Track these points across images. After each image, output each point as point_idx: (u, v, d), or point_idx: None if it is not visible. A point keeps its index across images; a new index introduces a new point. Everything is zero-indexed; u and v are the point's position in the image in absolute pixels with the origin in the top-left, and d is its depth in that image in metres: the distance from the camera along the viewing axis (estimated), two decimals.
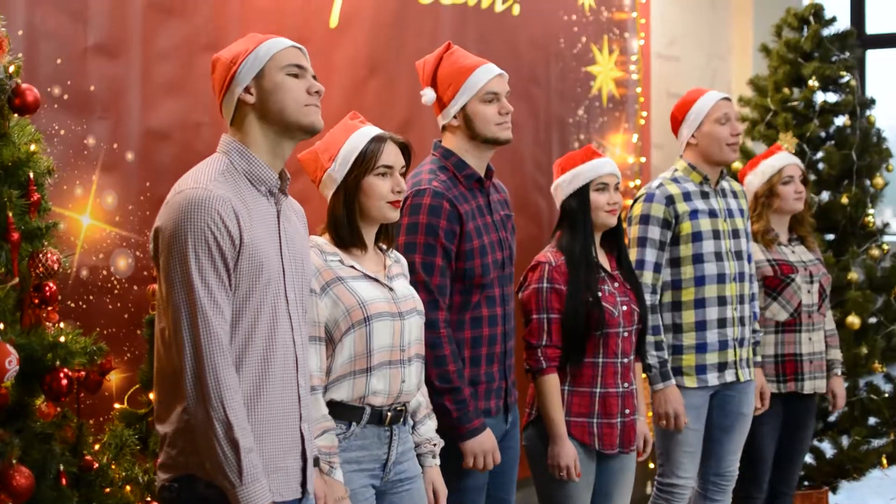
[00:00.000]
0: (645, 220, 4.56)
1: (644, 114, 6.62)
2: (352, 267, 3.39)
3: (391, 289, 3.43)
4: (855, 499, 6.62)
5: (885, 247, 6.08)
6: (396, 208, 3.42)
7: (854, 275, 5.89)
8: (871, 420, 6.07)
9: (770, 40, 6.41)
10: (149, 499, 3.38)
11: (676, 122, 4.74)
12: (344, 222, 3.39)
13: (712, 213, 4.63)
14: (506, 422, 3.96)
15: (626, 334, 4.19)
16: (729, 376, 4.66)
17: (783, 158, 5.06)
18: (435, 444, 3.60)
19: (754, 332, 4.81)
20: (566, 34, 6.22)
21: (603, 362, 4.15)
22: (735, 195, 4.78)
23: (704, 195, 4.65)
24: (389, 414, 3.39)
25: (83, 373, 3.26)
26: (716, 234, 4.61)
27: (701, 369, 4.61)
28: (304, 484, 2.92)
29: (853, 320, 5.79)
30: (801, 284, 4.97)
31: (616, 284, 4.22)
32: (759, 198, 5.02)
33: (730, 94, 6.83)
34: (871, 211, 6.02)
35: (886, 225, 6.21)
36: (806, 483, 6.06)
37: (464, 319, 3.83)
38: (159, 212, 2.87)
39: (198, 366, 2.68)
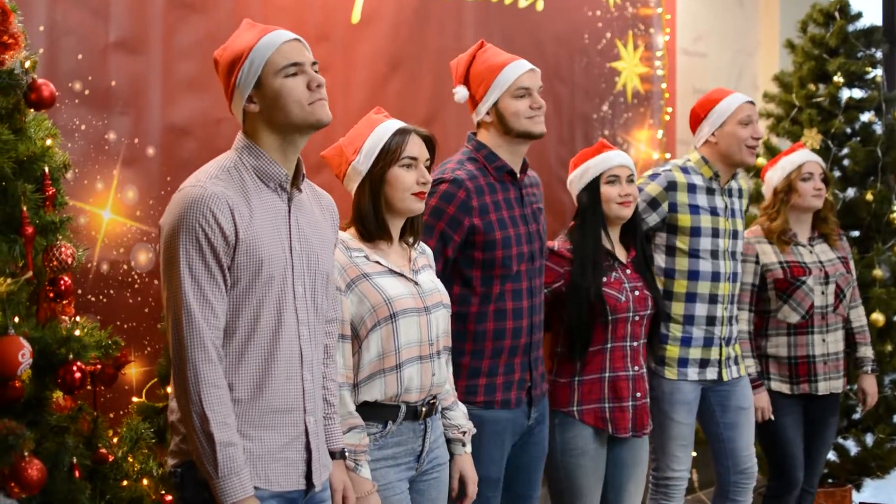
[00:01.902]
0: (638, 190, 4.54)
1: (669, 110, 6.60)
2: (377, 262, 3.40)
3: (416, 283, 3.45)
4: (880, 496, 6.56)
5: None
6: (421, 200, 3.43)
7: (878, 272, 5.84)
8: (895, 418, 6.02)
9: (796, 36, 6.36)
10: (163, 492, 3.40)
11: (697, 118, 4.71)
12: (370, 214, 3.40)
13: (714, 211, 4.61)
14: (528, 417, 3.96)
15: (636, 318, 4.21)
16: (711, 374, 4.65)
17: (803, 155, 5.04)
18: (464, 433, 3.62)
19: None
20: (590, 30, 6.20)
21: (611, 346, 4.18)
22: (741, 195, 4.77)
23: (710, 191, 4.63)
24: (424, 409, 3.42)
25: (98, 366, 3.28)
26: (715, 233, 4.60)
27: (682, 362, 4.60)
28: (308, 476, 2.96)
29: (877, 317, 5.75)
30: (813, 286, 4.93)
31: (628, 272, 4.24)
32: (778, 193, 5.00)
33: (756, 90, 6.83)
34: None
35: None
36: (830, 480, 6.02)
37: (486, 311, 3.83)
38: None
39: (180, 360, 2.75)
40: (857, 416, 6.06)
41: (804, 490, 5.11)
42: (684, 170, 4.64)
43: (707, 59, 6.96)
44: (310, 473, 2.95)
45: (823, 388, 4.99)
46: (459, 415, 3.63)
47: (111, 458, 3.27)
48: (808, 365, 4.96)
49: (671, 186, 4.58)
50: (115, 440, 3.50)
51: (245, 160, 2.90)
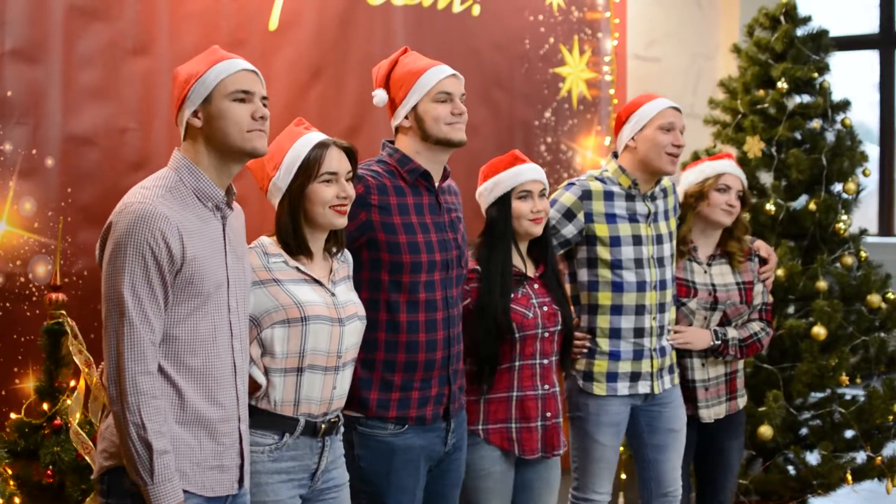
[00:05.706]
0: (552, 203, 4.36)
1: None
2: (296, 268, 3.36)
3: (333, 294, 3.40)
4: None
5: (864, 254, 5.83)
6: (342, 215, 3.39)
7: (822, 283, 5.65)
8: (847, 433, 5.83)
9: (743, 41, 6.20)
10: None
11: (620, 123, 4.52)
12: (290, 230, 3.37)
13: (633, 218, 4.41)
14: (445, 442, 3.81)
15: (545, 335, 4.07)
16: (643, 387, 4.46)
17: (726, 166, 4.76)
18: None
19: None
20: (532, 35, 6.08)
21: (519, 365, 4.04)
22: (665, 194, 4.55)
23: (630, 198, 4.43)
24: (323, 426, 3.36)
25: None
26: (637, 240, 4.40)
27: (612, 377, 4.41)
28: (240, 480, 3.11)
29: (818, 331, 5.50)
30: (695, 310, 4.68)
31: (536, 287, 4.10)
32: (688, 197, 4.73)
33: (713, 95, 6.66)
34: (843, 217, 5.77)
35: (864, 231, 5.98)
36: (773, 498, 5.87)
37: (398, 321, 3.69)
38: (106, 224, 2.97)
39: (118, 371, 2.86)
40: (803, 431, 5.89)
41: None
42: (600, 179, 4.47)
43: (661, 64, 6.84)
44: (242, 477, 3.10)
45: (706, 414, 4.73)
46: None
47: None
48: (688, 389, 4.70)
49: (586, 196, 4.40)
50: None
51: (185, 180, 3.03)
